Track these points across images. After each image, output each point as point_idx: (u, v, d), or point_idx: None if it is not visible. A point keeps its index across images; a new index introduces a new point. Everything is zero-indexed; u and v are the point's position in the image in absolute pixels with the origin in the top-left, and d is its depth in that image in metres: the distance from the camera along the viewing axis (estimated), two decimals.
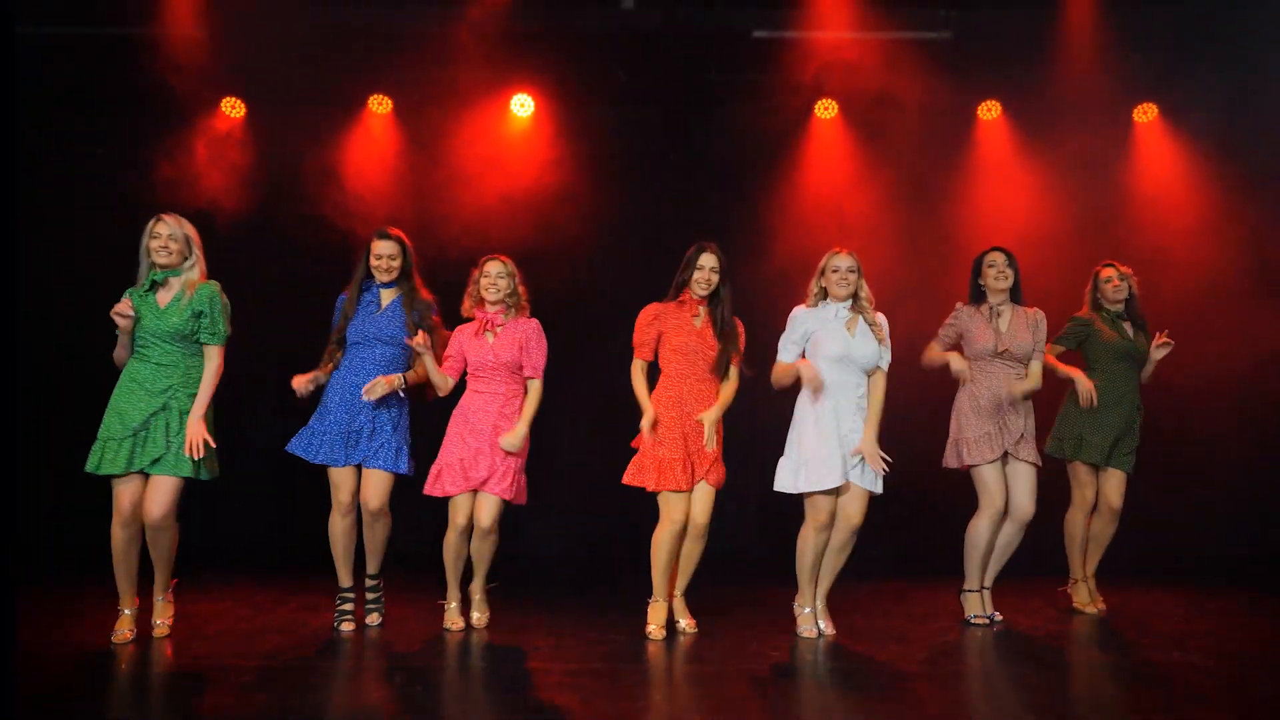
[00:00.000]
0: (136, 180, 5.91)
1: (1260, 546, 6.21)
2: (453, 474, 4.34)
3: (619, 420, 6.27)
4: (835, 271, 4.31)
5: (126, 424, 4.03)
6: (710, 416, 4.29)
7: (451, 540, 4.38)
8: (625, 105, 6.54)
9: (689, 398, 4.31)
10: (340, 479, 4.41)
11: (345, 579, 4.49)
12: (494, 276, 4.42)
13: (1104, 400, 4.73)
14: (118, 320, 4.04)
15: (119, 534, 4.06)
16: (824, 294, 4.37)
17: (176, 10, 5.93)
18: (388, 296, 4.48)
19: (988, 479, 4.51)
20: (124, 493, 4.05)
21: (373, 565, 4.53)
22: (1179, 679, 3.72)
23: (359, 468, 4.41)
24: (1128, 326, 4.89)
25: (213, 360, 4.17)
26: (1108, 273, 4.90)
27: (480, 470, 4.31)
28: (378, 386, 4.28)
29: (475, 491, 4.33)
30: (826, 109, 6.48)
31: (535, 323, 4.47)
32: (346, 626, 4.39)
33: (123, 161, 6.09)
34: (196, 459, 4.05)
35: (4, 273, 3.25)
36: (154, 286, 4.15)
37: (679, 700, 3.59)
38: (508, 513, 4.36)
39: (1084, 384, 4.63)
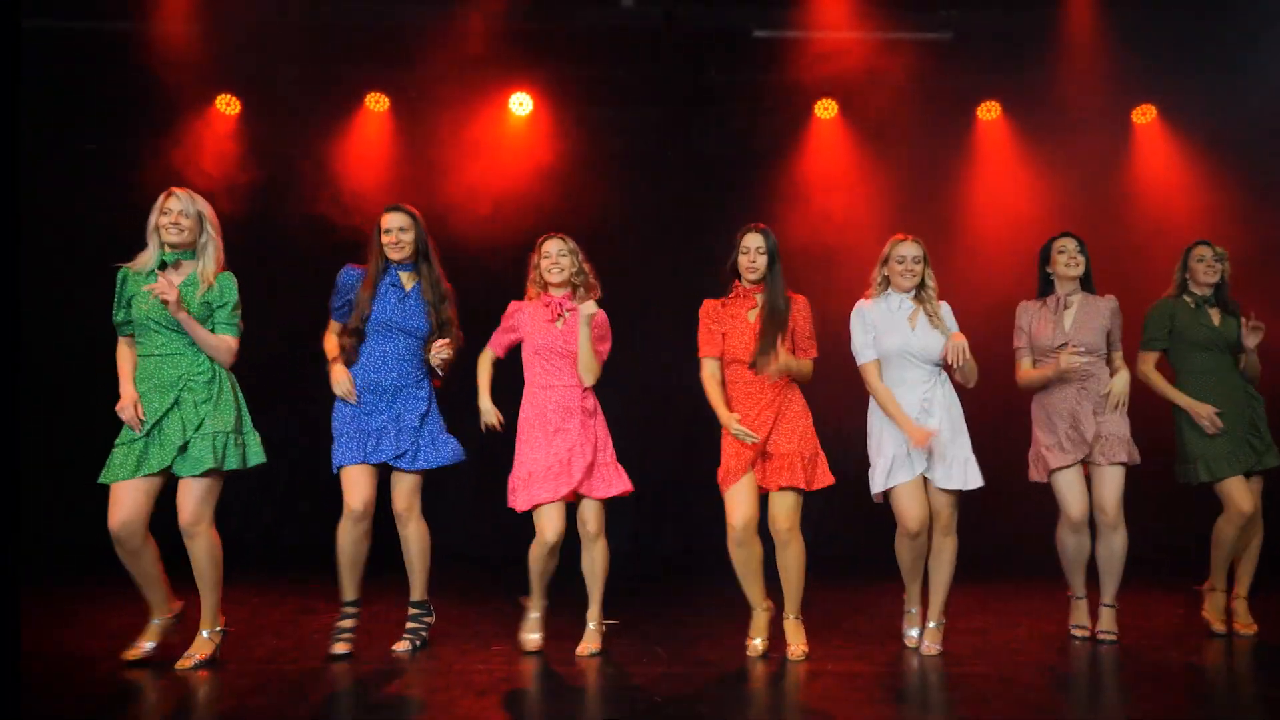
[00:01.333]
0: (134, 177, 5.88)
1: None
2: (544, 479, 3.92)
3: (625, 423, 6.26)
4: (900, 262, 4.04)
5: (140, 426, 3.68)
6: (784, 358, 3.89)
7: (539, 554, 3.96)
8: (624, 104, 6.54)
9: (742, 402, 3.99)
10: (354, 479, 3.92)
11: (351, 591, 4.01)
12: (555, 256, 4.04)
13: (1206, 396, 4.33)
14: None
15: (117, 550, 3.70)
16: (886, 284, 4.11)
17: (171, 6, 5.89)
18: (409, 281, 4.06)
19: (1058, 486, 4.24)
20: (116, 500, 3.67)
21: (417, 590, 4.11)
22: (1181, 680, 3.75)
23: (376, 469, 3.99)
24: (1214, 313, 4.43)
25: (230, 343, 3.82)
26: (1201, 251, 4.45)
27: (577, 471, 3.93)
28: (445, 349, 3.94)
29: (568, 501, 3.97)
30: (826, 109, 6.48)
31: (603, 315, 4.11)
32: (341, 648, 3.94)
33: (121, 159, 6.06)
34: (236, 435, 3.72)
35: (7, 273, 3.22)
36: (163, 267, 3.78)
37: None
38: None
39: (1201, 409, 4.27)
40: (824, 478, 4.02)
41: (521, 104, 6.38)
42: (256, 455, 3.85)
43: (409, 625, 4.10)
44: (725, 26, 6.19)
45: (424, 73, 6.15)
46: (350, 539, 3.94)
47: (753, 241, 4.04)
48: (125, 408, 3.71)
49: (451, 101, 6.24)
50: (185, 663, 3.72)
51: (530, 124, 6.39)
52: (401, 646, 4.03)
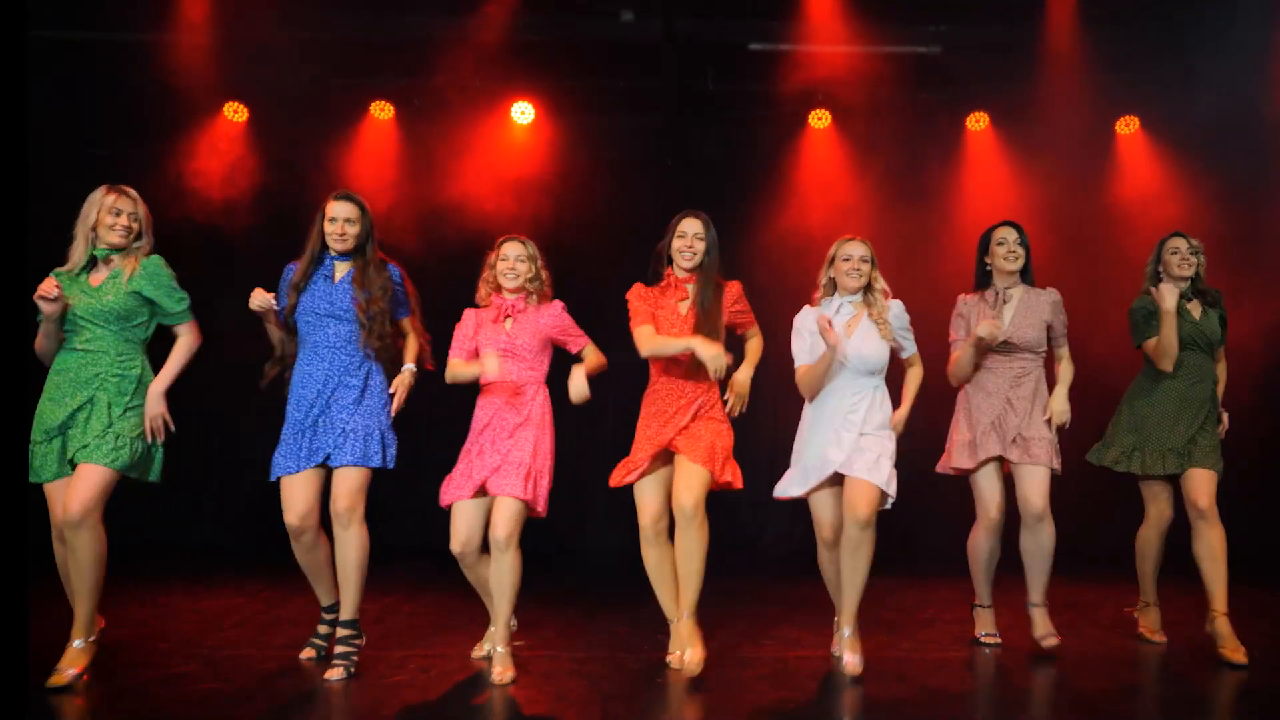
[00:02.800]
0: (143, 183, 5.95)
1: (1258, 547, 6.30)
2: (459, 478, 3.74)
3: (626, 424, 6.36)
4: (846, 260, 3.83)
5: (51, 423, 3.47)
6: (740, 376, 3.78)
7: (464, 565, 3.76)
8: (624, 114, 6.69)
9: (666, 399, 3.79)
10: (288, 491, 3.63)
11: (326, 596, 3.83)
12: (513, 260, 3.82)
13: (1170, 396, 4.12)
14: (41, 305, 3.41)
15: (59, 549, 3.52)
16: (833, 286, 3.90)
17: (180, 17, 5.98)
18: (341, 270, 3.78)
19: (978, 485, 4.08)
20: (55, 497, 3.48)
21: (348, 607, 3.67)
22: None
23: (317, 471, 3.68)
24: (1194, 307, 4.18)
25: (185, 336, 3.62)
26: (1175, 243, 4.19)
27: (485, 468, 3.67)
28: (400, 389, 3.76)
29: (485, 503, 3.72)
30: (820, 119, 6.64)
31: (559, 303, 3.89)
32: (307, 654, 3.80)
33: (131, 165, 6.16)
34: (146, 445, 3.50)
35: (15, 277, 3.27)
36: (93, 264, 3.56)
37: None
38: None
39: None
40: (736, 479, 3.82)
41: (524, 113, 6.53)
42: (156, 472, 3.61)
43: (340, 649, 3.66)
44: (722, 39, 6.35)
45: (428, 82, 6.28)
46: (297, 555, 3.72)
47: (690, 227, 3.81)
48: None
49: (455, 110, 6.36)
50: (59, 679, 3.38)
51: (532, 132, 6.54)
52: (335, 674, 3.58)
